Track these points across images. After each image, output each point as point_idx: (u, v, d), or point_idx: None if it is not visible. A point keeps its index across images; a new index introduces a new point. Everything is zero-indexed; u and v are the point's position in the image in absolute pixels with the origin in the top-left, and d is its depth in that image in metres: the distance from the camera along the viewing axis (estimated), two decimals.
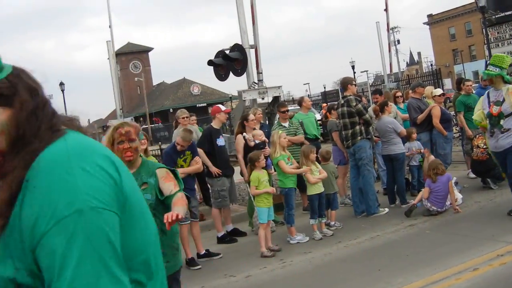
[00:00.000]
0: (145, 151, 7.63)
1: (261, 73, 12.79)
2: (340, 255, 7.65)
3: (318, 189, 8.59)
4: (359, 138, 9.53)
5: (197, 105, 69.69)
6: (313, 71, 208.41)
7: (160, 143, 24.99)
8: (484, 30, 28.10)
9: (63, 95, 48.27)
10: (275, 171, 9.13)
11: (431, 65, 72.64)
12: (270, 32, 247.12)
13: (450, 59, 76.77)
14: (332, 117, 10.90)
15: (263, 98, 12.26)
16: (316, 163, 8.84)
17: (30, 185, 1.45)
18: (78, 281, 1.37)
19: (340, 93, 31.43)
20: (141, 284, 1.61)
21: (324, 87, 74.65)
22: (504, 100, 7.72)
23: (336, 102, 11.21)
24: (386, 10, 25.80)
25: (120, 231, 1.51)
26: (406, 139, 10.41)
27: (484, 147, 9.57)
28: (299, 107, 12.53)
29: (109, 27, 19.74)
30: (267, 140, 9.45)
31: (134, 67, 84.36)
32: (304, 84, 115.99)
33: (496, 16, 26.18)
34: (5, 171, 1.50)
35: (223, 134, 10.26)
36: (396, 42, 70.54)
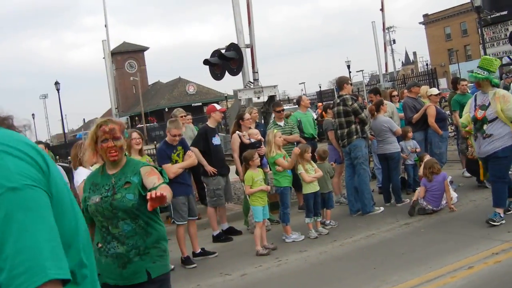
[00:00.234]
0: (140, 150, 7.65)
1: (257, 72, 12.81)
2: (335, 253, 7.65)
3: (314, 188, 8.61)
4: (355, 137, 9.55)
5: (193, 105, 69.69)
6: (309, 71, 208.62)
7: (155, 142, 24.98)
8: (479, 30, 28.17)
9: (58, 94, 48.25)
10: (270, 170, 9.14)
11: (427, 64, 72.86)
12: (265, 32, 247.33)
13: (445, 59, 76.92)
14: (328, 116, 10.92)
15: (258, 97, 12.29)
16: (312, 162, 8.84)
17: None
18: (19, 256, 1.38)
19: (335, 92, 31.51)
20: (73, 273, 1.60)
21: (320, 87, 74.84)
22: (489, 104, 7.58)
23: (332, 102, 11.23)
24: (382, 9, 25.90)
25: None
26: (401, 138, 10.43)
27: None
28: (296, 106, 12.55)
29: (105, 26, 19.78)
30: (262, 139, 9.45)
31: (129, 66, 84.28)
32: (300, 84, 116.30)
33: (492, 16, 26.23)
34: None
35: (219, 133, 10.25)
36: (392, 42, 70.69)
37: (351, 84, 10.49)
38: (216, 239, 9.17)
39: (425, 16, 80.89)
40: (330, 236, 8.56)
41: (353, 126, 9.55)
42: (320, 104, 33.76)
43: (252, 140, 9.37)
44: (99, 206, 3.94)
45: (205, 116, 19.28)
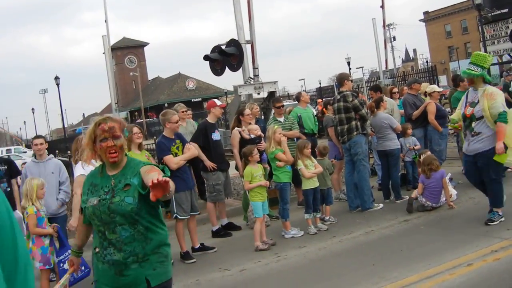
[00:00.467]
0: (139, 145, 7.67)
1: (257, 68, 12.80)
2: (334, 249, 7.66)
3: (313, 183, 8.60)
4: (355, 133, 9.55)
5: (192, 100, 69.72)
6: (309, 67, 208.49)
7: (155, 137, 25.03)
8: (480, 27, 28.17)
9: (58, 89, 48.29)
10: (269, 165, 9.14)
11: (427, 62, 72.74)
12: (265, 28, 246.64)
13: (445, 56, 76.88)
14: (328, 113, 10.91)
15: (258, 93, 12.29)
16: (312, 157, 8.84)
17: None
18: None
19: (335, 89, 31.49)
20: None
21: (320, 83, 74.90)
22: (478, 102, 7.49)
23: (332, 98, 11.22)
24: (382, 7, 25.83)
25: None
26: (401, 135, 10.43)
27: None
28: (295, 102, 12.55)
29: (105, 21, 19.72)
30: (262, 135, 9.46)
31: (129, 61, 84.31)
32: (300, 80, 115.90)
33: (492, 14, 26.24)
34: None
35: (218, 129, 10.24)
36: (392, 39, 70.69)
37: (351, 81, 10.48)
38: (216, 234, 9.18)
39: (426, 13, 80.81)
40: (329, 232, 8.57)
41: (354, 123, 9.55)
42: (320, 100, 33.74)
43: (252, 136, 9.36)
44: (96, 209, 3.68)
45: (205, 111, 19.32)
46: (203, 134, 9.09)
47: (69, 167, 8.99)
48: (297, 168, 8.64)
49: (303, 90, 57.39)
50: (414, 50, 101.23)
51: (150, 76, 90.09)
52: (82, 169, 7.05)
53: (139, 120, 64.80)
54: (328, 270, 6.78)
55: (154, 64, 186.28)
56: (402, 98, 11.65)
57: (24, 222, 6.78)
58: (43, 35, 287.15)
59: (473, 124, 7.50)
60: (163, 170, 3.68)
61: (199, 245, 8.28)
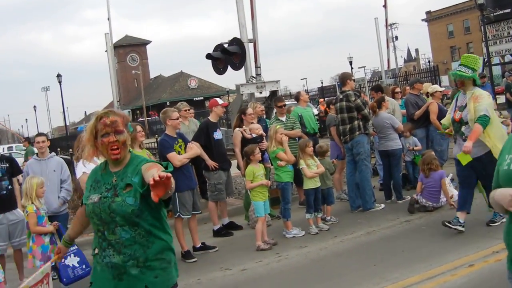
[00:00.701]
0: (140, 143, 7.71)
1: (259, 67, 12.82)
2: (336, 249, 7.66)
3: (315, 183, 8.60)
4: (357, 133, 9.54)
5: (194, 99, 69.71)
6: (311, 66, 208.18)
7: (156, 136, 25.01)
8: (482, 27, 28.12)
9: (61, 86, 48.30)
10: (271, 164, 9.14)
11: (429, 62, 72.66)
12: (267, 27, 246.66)
13: (447, 56, 76.74)
14: (331, 112, 10.90)
15: (261, 92, 12.28)
16: (315, 157, 8.82)
17: None
18: None
19: (337, 88, 31.47)
20: None
21: (322, 82, 74.78)
22: (466, 105, 7.34)
23: (334, 97, 11.22)
24: (385, 6, 25.86)
25: None
26: (402, 135, 10.42)
27: None
28: (296, 102, 12.54)
29: (108, 19, 19.81)
30: (264, 134, 9.45)
31: (131, 60, 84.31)
32: (302, 79, 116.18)
33: (495, 14, 26.21)
34: None
35: (220, 128, 10.24)
36: (394, 39, 70.51)
37: (354, 80, 10.47)
38: (217, 233, 9.18)
39: (428, 13, 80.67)
40: (330, 232, 8.57)
41: (356, 122, 9.53)
42: (321, 100, 33.75)
43: (254, 135, 9.36)
44: (96, 207, 3.45)
45: (206, 110, 19.32)
46: (205, 133, 9.08)
47: (70, 165, 9.00)
48: (299, 167, 8.64)
49: (305, 90, 57.45)
50: (416, 50, 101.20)
51: (152, 75, 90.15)
52: (84, 167, 7.07)
53: (140, 119, 64.83)
54: (329, 270, 6.78)
55: (156, 63, 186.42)
56: (404, 98, 11.64)
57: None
58: (45, 32, 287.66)
59: (463, 128, 7.37)
60: (166, 167, 3.39)
61: (200, 244, 8.28)
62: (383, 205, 9.73)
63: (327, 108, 11.79)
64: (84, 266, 6.44)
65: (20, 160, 15.80)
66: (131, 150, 3.68)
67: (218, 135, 9.20)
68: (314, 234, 8.48)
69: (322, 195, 8.84)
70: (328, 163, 9.26)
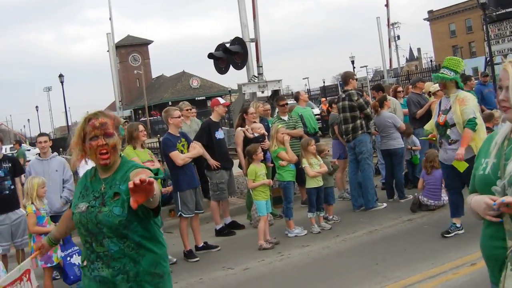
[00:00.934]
0: (142, 143, 7.73)
1: (261, 66, 12.83)
2: (338, 248, 7.66)
3: (317, 182, 8.59)
4: (360, 132, 9.53)
5: (196, 98, 69.66)
6: (313, 66, 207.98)
7: (158, 135, 24.97)
8: (484, 27, 28.04)
9: (62, 86, 48.26)
10: (273, 164, 9.13)
11: (431, 61, 72.56)
12: (269, 27, 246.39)
13: (450, 55, 76.42)
14: (333, 111, 10.90)
15: (262, 92, 12.28)
16: (318, 156, 8.80)
17: None
18: None
19: (339, 87, 31.47)
20: None
21: (324, 82, 74.74)
22: (450, 108, 7.21)
23: (337, 96, 11.22)
24: (386, 5, 25.80)
25: None
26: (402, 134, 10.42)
27: None
28: (294, 102, 12.55)
29: (109, 19, 19.74)
30: (266, 133, 9.46)
31: (133, 59, 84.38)
32: (304, 79, 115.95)
33: (497, 13, 26.12)
34: None
35: (222, 127, 10.25)
36: (396, 38, 70.42)
37: (356, 80, 10.46)
38: (219, 233, 9.18)
39: (430, 12, 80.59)
40: (332, 231, 8.57)
41: (358, 121, 9.52)
42: (323, 99, 33.73)
43: (256, 134, 9.36)
44: (83, 217, 3.21)
45: (208, 110, 19.31)
46: (207, 133, 9.09)
47: None
48: (302, 166, 8.63)
49: (307, 89, 57.46)
50: (419, 49, 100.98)
51: (154, 74, 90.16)
52: (87, 166, 7.06)
53: (142, 118, 64.87)
54: (331, 269, 6.78)
55: (158, 62, 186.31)
56: (407, 97, 11.64)
57: None
58: (46, 32, 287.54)
59: (448, 131, 7.25)
60: (156, 173, 3.19)
61: (202, 243, 8.29)
62: (385, 204, 9.73)
63: (329, 108, 11.78)
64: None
65: (22, 160, 15.83)
66: (122, 154, 3.45)
67: (220, 134, 9.20)
68: (316, 233, 8.48)
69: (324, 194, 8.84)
70: (327, 163, 9.25)
